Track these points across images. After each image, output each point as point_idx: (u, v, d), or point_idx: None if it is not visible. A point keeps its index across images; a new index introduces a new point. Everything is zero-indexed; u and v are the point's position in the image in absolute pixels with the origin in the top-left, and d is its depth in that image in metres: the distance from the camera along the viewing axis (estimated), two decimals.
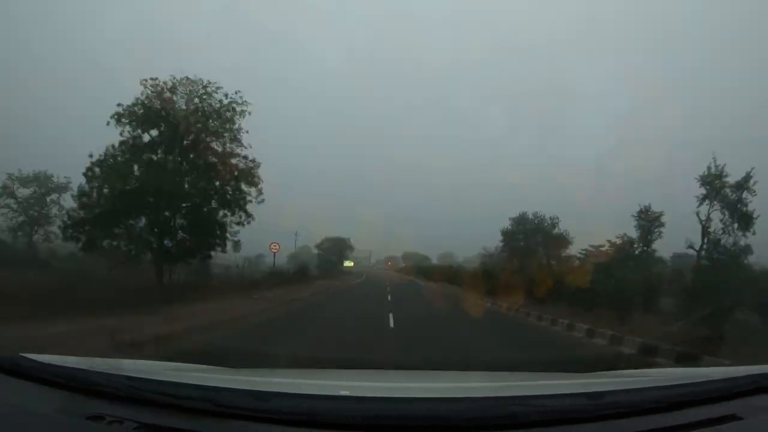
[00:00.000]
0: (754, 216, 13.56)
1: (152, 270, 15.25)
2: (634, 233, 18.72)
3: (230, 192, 16.78)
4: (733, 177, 13.97)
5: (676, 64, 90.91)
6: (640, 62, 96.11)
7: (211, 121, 15.73)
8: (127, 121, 14.71)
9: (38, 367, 1.57)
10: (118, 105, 14.65)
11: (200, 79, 15.52)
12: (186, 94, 15.38)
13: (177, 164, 15.60)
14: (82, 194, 15.02)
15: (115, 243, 15.14)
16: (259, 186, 17.14)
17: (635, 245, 18.13)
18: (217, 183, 16.37)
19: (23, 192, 23.28)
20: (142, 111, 14.78)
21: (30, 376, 1.55)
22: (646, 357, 7.57)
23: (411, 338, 9.50)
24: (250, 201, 17.31)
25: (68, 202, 18.74)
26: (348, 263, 61.53)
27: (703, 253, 14.37)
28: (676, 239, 17.18)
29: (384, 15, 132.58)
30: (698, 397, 1.52)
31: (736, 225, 13.67)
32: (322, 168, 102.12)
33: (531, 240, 31.86)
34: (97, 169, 14.53)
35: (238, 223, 17.29)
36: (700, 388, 1.61)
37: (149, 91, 14.79)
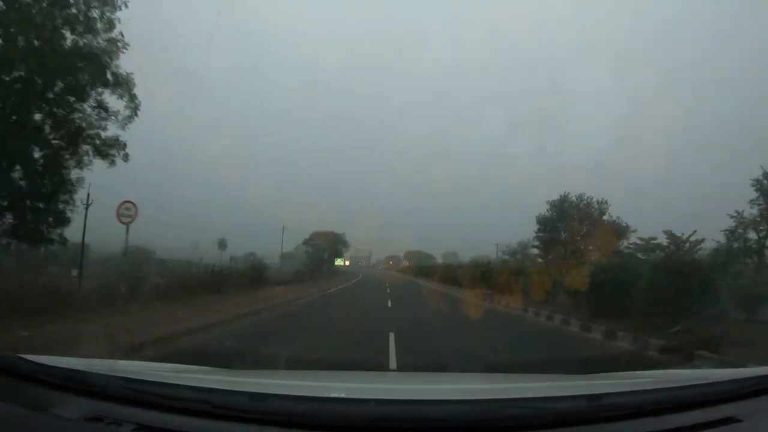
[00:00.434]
0: None
1: None
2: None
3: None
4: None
5: (676, 62, 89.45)
6: (640, 61, 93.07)
7: None
8: None
9: (35, 368, 1.55)
10: None
11: None
12: None
13: None
14: None
15: None
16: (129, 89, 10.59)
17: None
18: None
19: None
20: None
21: (27, 377, 1.53)
22: None
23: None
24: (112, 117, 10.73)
25: None
26: (340, 261, 56.66)
27: None
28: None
29: (383, 13, 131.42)
30: (698, 399, 1.51)
31: None
32: (320, 166, 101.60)
33: (575, 227, 25.37)
34: None
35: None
36: (699, 390, 1.60)
37: None
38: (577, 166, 67.71)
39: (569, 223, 24.85)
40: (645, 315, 9.57)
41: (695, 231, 13.18)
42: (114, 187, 13.58)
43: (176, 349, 6.74)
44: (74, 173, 11.20)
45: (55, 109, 10.26)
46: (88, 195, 11.61)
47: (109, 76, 10.53)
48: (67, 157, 10.87)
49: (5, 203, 10.17)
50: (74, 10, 10.08)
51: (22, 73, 9.51)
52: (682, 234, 13.25)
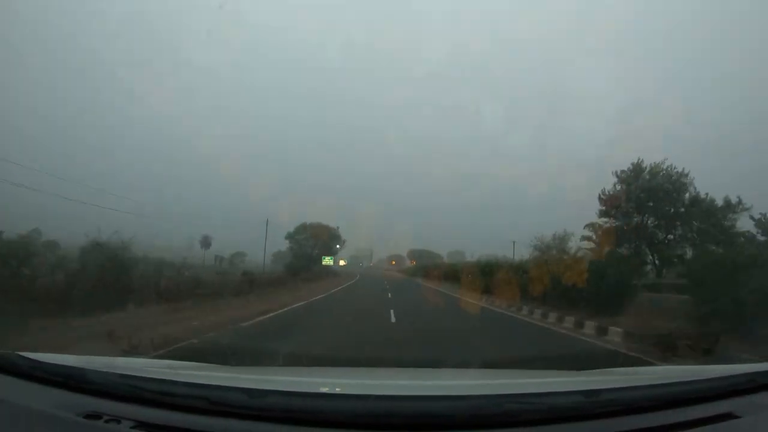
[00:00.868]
0: None
1: None
2: None
3: None
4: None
5: (676, 61, 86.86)
6: (639, 59, 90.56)
7: None
8: None
9: (35, 366, 1.56)
10: None
11: None
12: None
13: None
14: None
15: None
16: None
17: None
18: None
19: None
20: None
21: (27, 375, 1.53)
22: None
23: None
24: None
25: None
26: (328, 260, 47.38)
27: None
28: None
29: (382, 11, 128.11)
30: (696, 395, 1.52)
31: None
32: (319, 163, 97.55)
33: (660, 206, 18.34)
34: None
35: None
36: (697, 386, 1.60)
37: None
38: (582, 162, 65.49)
39: (652, 199, 17.88)
40: None
41: None
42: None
43: None
44: None
45: None
46: None
47: None
48: None
49: None
50: None
51: None
52: None
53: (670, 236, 18.35)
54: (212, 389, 1.46)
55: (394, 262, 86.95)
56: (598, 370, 2.47)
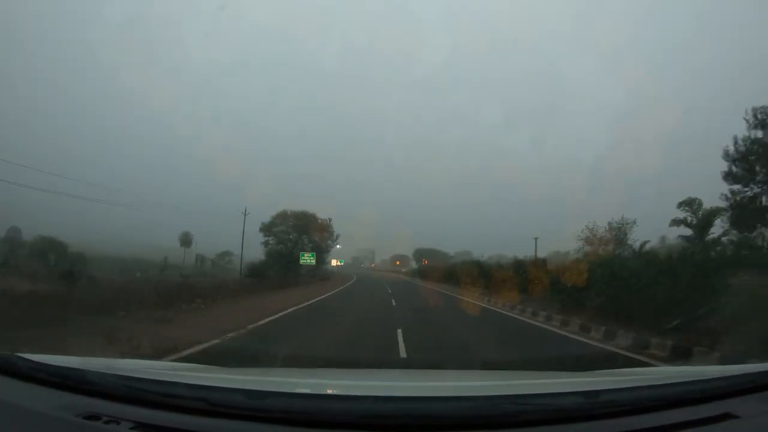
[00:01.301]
0: None
1: None
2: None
3: None
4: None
5: (674, 62, 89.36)
6: (637, 60, 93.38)
7: None
8: None
9: (34, 367, 1.55)
10: None
11: None
12: None
13: None
14: None
15: None
16: None
17: None
18: None
19: None
20: None
21: (25, 376, 1.53)
22: None
23: None
24: None
25: None
26: (308, 258, 36.41)
27: None
28: None
29: (380, 13, 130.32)
30: (695, 395, 1.52)
31: None
32: (320, 162, 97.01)
33: None
34: None
35: None
36: (696, 387, 1.60)
37: None
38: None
39: None
40: None
41: None
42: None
43: None
44: None
45: None
46: None
47: None
48: None
49: None
50: None
51: None
52: None
53: None
54: (212, 390, 1.47)
55: (398, 262, 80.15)
56: (597, 371, 2.50)
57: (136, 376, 1.56)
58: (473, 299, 19.03)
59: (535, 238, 31.45)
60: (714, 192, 13.99)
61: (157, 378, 1.61)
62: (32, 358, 1.60)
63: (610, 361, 6.81)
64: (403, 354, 7.17)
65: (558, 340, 9.37)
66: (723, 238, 13.97)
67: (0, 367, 1.56)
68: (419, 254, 73.33)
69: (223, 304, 14.09)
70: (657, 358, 7.03)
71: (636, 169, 65.21)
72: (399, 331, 9.04)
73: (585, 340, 9.04)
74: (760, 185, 11.86)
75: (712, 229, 14.12)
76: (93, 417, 1.33)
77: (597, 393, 1.46)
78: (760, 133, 12.12)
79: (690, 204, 14.60)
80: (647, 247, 15.05)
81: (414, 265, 74.68)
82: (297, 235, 38.78)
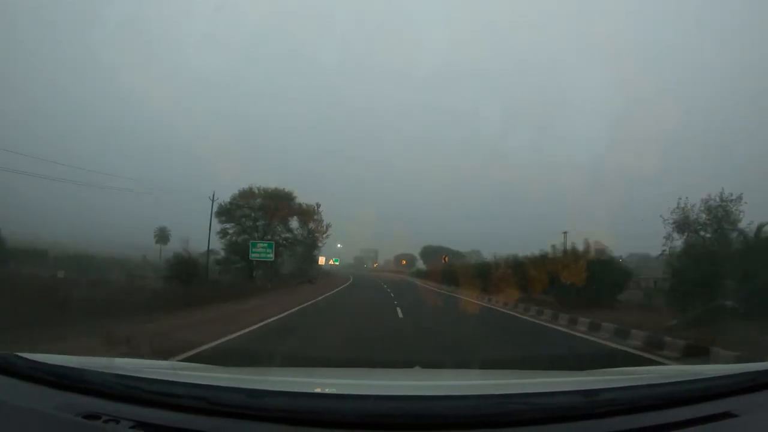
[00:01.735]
0: None
1: None
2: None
3: None
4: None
5: (672, 64, 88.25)
6: (636, 61, 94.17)
7: None
8: None
9: (33, 366, 1.55)
10: None
11: None
12: None
13: None
14: None
15: None
16: None
17: None
18: None
19: None
20: None
21: (25, 375, 1.52)
22: None
23: None
24: None
25: None
26: (261, 251, 26.09)
27: None
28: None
29: (379, 16, 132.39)
30: (694, 394, 1.52)
31: None
32: (320, 160, 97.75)
33: None
34: None
35: None
36: (696, 386, 1.60)
37: None
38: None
39: None
40: None
41: None
42: None
43: None
44: None
45: None
46: None
47: None
48: None
49: None
50: None
51: None
52: None
53: None
54: (211, 389, 1.47)
55: (404, 262, 73.64)
56: (597, 370, 2.46)
57: (135, 375, 1.56)
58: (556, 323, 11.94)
59: (564, 232, 25.20)
60: None
61: (156, 377, 1.61)
62: (31, 358, 1.60)
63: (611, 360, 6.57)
64: None
65: None
66: None
67: None
68: (427, 253, 66.94)
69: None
70: None
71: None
72: None
73: None
74: None
75: None
76: (92, 416, 1.33)
77: (596, 392, 1.47)
78: None
79: None
80: None
81: (422, 264, 68.21)
82: (266, 221, 29.17)
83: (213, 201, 27.66)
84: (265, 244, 25.51)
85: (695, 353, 6.68)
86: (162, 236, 50.60)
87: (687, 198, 12.95)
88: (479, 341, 9.25)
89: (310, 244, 36.09)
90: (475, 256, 47.62)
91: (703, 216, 12.50)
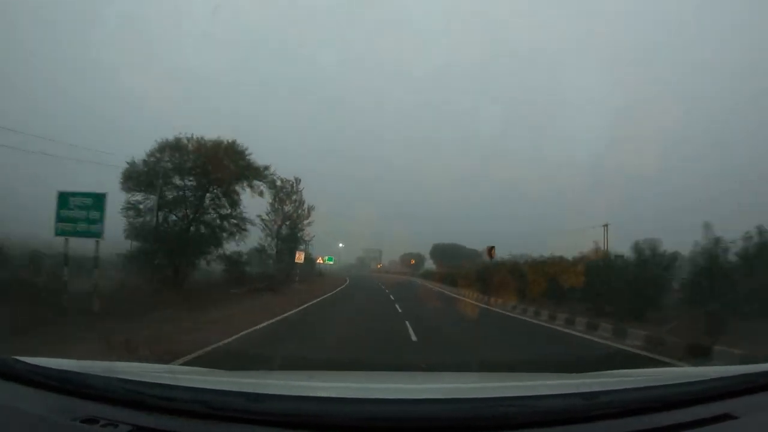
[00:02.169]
0: None
1: None
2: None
3: None
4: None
5: (670, 65, 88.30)
6: (634, 63, 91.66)
7: None
8: None
9: (31, 370, 1.54)
10: None
11: None
12: None
13: None
14: None
15: None
16: None
17: None
18: None
19: None
20: None
21: (23, 379, 1.51)
22: None
23: None
24: None
25: None
26: (74, 227, 11.15)
27: None
28: None
29: (379, 18, 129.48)
30: (693, 396, 1.51)
31: None
32: (319, 159, 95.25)
33: None
34: None
35: None
36: (694, 388, 1.59)
37: None
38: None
39: None
40: None
41: None
42: None
43: None
44: None
45: None
46: None
47: None
48: None
49: None
50: None
51: None
52: None
53: None
54: (210, 393, 1.47)
55: (413, 261, 66.35)
56: (595, 373, 2.46)
57: (134, 379, 1.55)
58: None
59: (605, 225, 21.16)
60: None
61: (155, 381, 1.60)
62: (30, 361, 1.59)
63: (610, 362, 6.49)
64: None
65: None
66: None
67: None
68: (438, 251, 59.68)
69: None
70: None
71: None
72: None
73: None
74: None
75: None
76: (91, 420, 1.32)
77: (594, 394, 1.46)
78: None
79: None
80: None
81: (431, 264, 61.09)
82: (202, 191, 18.93)
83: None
84: (89, 199, 11.52)
85: None
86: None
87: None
88: None
89: (288, 235, 28.83)
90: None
91: None
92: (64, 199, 11.50)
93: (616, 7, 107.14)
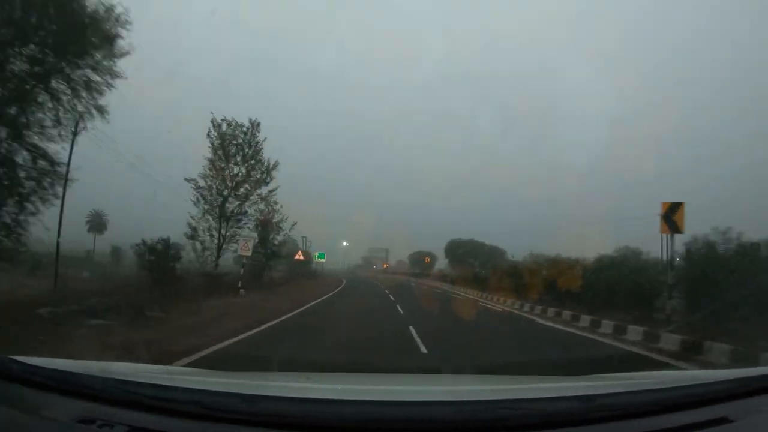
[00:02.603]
0: None
1: None
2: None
3: None
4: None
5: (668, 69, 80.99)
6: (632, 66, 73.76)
7: None
8: None
9: (27, 370, 1.53)
10: None
11: None
12: None
13: None
14: None
15: None
16: None
17: None
18: None
19: None
20: None
21: (19, 379, 1.50)
22: None
23: None
24: None
25: None
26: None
27: None
28: None
29: (378, 20, 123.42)
30: (690, 399, 1.51)
31: None
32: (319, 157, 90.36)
33: None
34: None
35: None
36: (692, 391, 1.59)
37: None
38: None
39: None
40: None
41: None
42: None
43: None
44: None
45: None
46: None
47: None
48: None
49: None
50: None
51: None
52: None
53: None
54: (207, 394, 1.47)
55: (428, 260, 58.27)
56: (593, 375, 2.43)
57: (130, 379, 1.54)
58: None
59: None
60: None
61: (151, 381, 1.58)
62: (26, 361, 1.58)
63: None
64: None
65: None
66: None
67: None
68: (453, 248, 52.03)
69: None
70: None
71: None
72: None
73: None
74: None
75: None
76: (87, 421, 1.31)
77: (593, 397, 1.45)
78: None
79: None
80: None
81: (446, 265, 53.55)
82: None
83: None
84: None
85: None
86: (96, 224, 37.33)
87: None
88: None
89: (235, 212, 20.09)
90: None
91: None
92: None
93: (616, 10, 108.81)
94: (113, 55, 10.14)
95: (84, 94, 9.85)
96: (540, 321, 13.90)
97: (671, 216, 11.50)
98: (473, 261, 41.95)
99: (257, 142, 20.33)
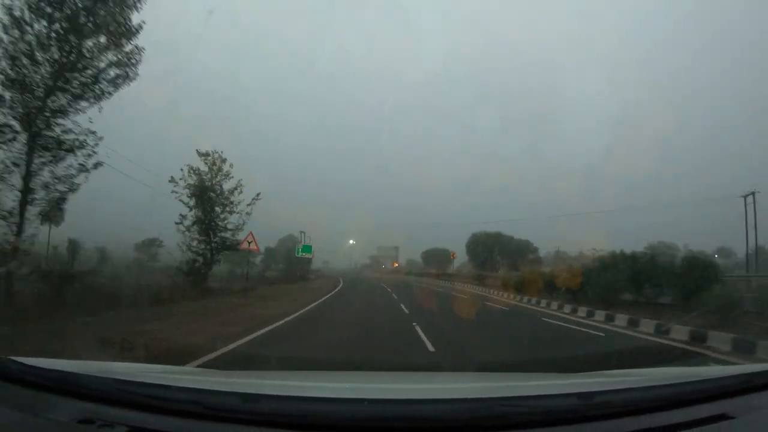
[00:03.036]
0: None
1: None
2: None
3: None
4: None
5: (667, 70, 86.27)
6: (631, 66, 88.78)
7: None
8: None
9: (26, 370, 1.53)
10: None
11: None
12: None
13: None
14: None
15: None
16: None
17: None
18: None
19: None
20: None
21: (19, 380, 1.50)
22: None
23: None
24: None
25: None
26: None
27: None
28: None
29: (377, 19, 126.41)
30: (690, 396, 1.51)
31: None
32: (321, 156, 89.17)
33: None
34: None
35: None
36: (691, 388, 1.59)
37: None
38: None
39: None
40: None
41: None
42: None
43: None
44: None
45: None
46: None
47: None
48: None
49: None
50: None
51: None
52: None
53: None
54: (206, 394, 1.46)
55: (454, 255, 50.46)
56: (592, 372, 2.46)
57: (129, 379, 1.54)
58: None
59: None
60: None
61: (151, 381, 1.59)
62: (25, 362, 1.57)
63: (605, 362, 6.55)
64: None
65: None
66: None
67: None
68: (476, 242, 45.42)
69: None
70: None
71: None
72: None
73: None
74: None
75: None
76: (86, 421, 1.32)
77: (592, 395, 1.45)
78: None
79: None
80: None
81: (465, 263, 47.22)
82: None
83: None
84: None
85: None
86: (51, 214, 31.31)
87: None
88: None
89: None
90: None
91: None
92: None
93: (616, 10, 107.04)
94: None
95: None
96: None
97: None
98: (499, 259, 35.89)
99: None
